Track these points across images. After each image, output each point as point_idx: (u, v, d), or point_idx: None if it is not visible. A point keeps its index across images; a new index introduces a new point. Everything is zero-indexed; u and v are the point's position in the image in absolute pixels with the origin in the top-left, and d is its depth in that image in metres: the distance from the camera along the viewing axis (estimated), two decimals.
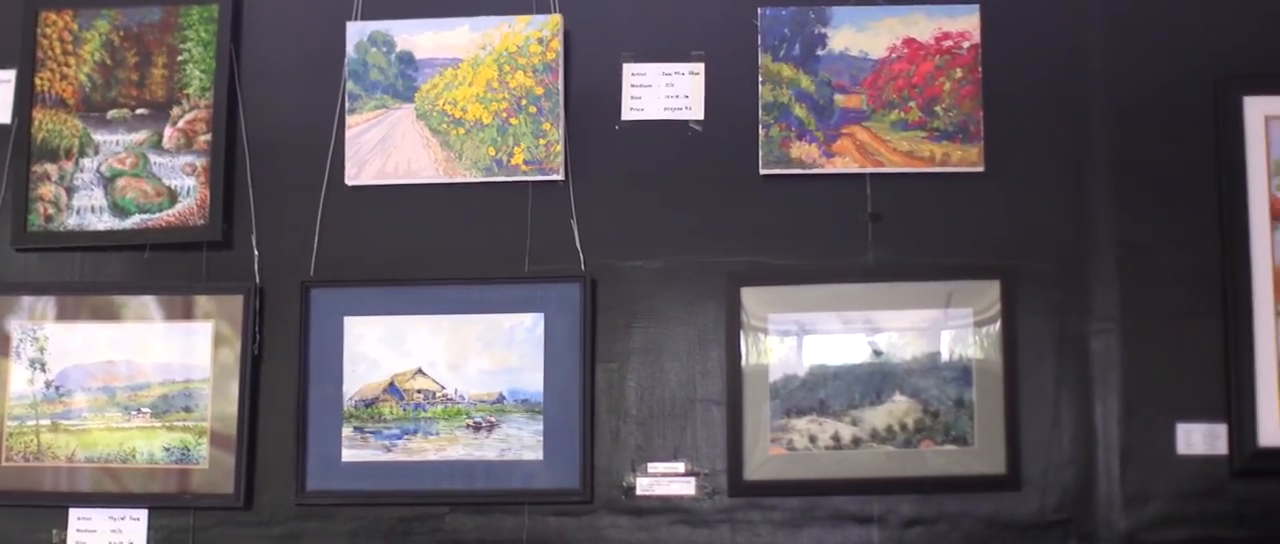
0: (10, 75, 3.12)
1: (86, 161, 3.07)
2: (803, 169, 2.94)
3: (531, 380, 2.92)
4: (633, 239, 2.97)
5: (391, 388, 2.95)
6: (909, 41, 2.96)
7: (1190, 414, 2.85)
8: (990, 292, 2.88)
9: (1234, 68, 2.92)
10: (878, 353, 2.89)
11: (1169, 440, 2.85)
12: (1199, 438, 2.85)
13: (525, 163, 2.97)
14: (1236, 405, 2.82)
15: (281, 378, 2.97)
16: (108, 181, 3.05)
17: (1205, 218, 2.90)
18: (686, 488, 2.90)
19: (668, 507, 2.90)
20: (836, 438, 2.87)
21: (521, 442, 2.91)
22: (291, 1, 3.13)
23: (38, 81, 3.09)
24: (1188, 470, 2.84)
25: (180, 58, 3.07)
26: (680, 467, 2.91)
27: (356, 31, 3.03)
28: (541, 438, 2.90)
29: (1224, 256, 2.87)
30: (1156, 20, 2.96)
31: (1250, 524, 2.82)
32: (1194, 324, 2.87)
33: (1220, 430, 2.84)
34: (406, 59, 3.02)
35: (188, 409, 2.97)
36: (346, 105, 3.03)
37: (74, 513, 2.97)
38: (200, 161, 3.03)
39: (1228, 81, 2.91)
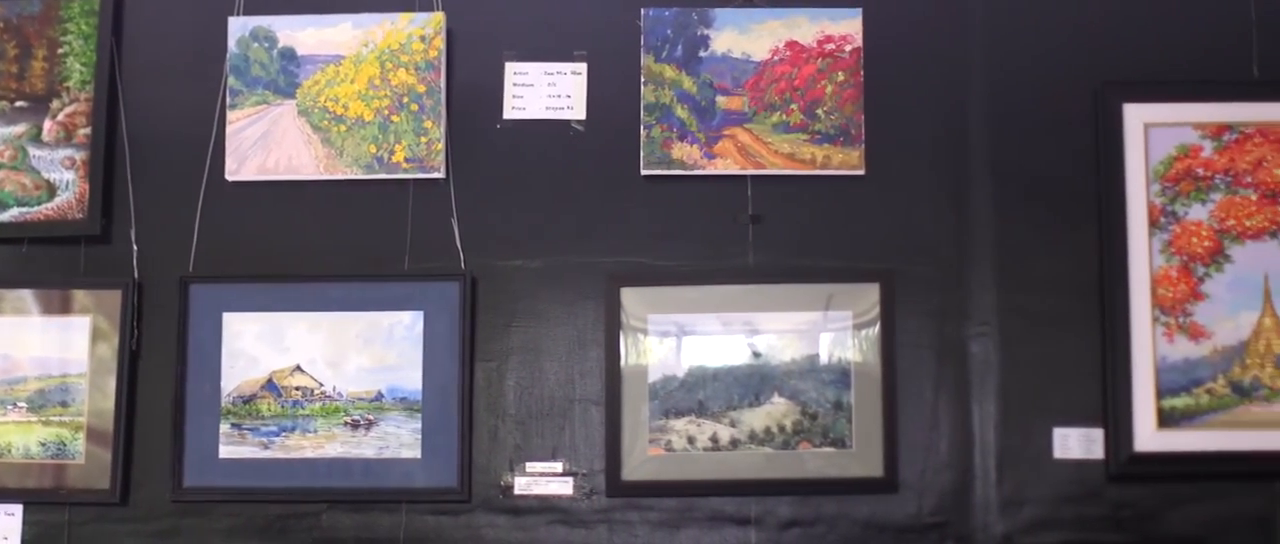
0: None
1: None
2: (684, 170, 2.94)
3: (410, 378, 2.91)
4: (513, 238, 2.96)
5: (270, 385, 2.93)
6: (791, 44, 2.96)
7: (1067, 418, 2.87)
8: (870, 295, 2.89)
9: (1114, 74, 2.94)
10: (757, 354, 2.89)
11: (1046, 444, 2.87)
12: (1075, 442, 2.87)
13: (406, 161, 2.96)
14: (1113, 410, 2.84)
15: (159, 373, 2.95)
16: None
17: (1084, 223, 2.91)
18: (564, 488, 2.90)
19: (545, 506, 2.90)
20: (715, 439, 2.87)
21: (400, 440, 2.90)
22: None
23: None
24: (1064, 474, 2.86)
25: (61, 50, 3.04)
26: (558, 466, 2.91)
27: (238, 26, 3.01)
28: (420, 436, 2.89)
29: (1102, 262, 2.89)
30: (1037, 27, 2.98)
31: (1125, 528, 2.84)
32: (1071, 329, 2.89)
33: (1096, 435, 2.86)
34: (288, 55, 3.01)
35: (64, 404, 2.95)
36: (228, 100, 3.01)
37: None
38: (80, 155, 3.01)
39: (1108, 88, 2.92)
